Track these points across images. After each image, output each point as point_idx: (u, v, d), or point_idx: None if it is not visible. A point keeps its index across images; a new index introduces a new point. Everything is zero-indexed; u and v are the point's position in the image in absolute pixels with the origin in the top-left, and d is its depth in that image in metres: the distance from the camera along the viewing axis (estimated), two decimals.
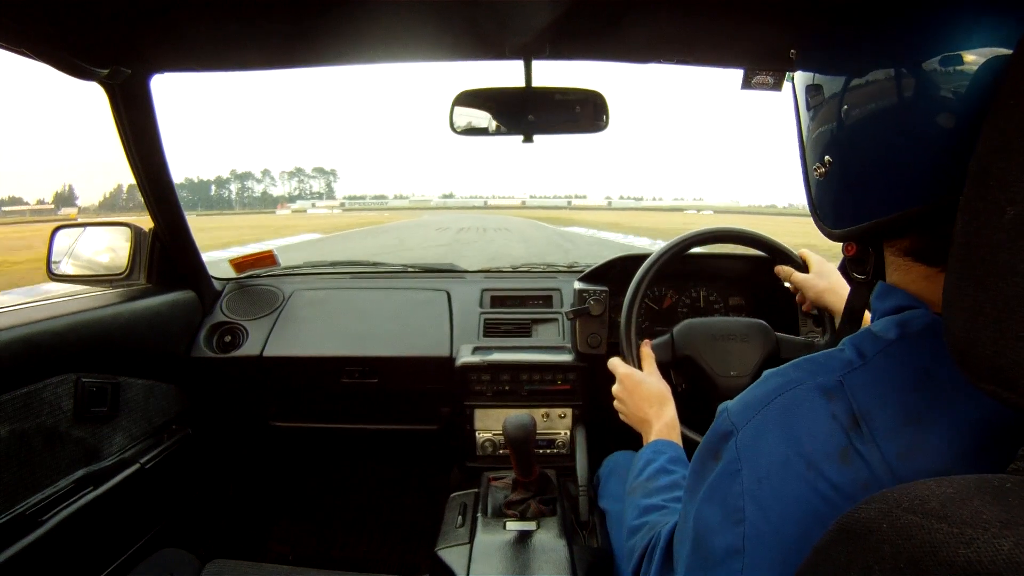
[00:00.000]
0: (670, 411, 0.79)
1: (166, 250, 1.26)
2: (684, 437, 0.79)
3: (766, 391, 0.41)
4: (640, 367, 0.90)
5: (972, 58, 0.34)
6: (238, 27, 0.87)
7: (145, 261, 1.24)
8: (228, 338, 1.35)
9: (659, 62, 0.98)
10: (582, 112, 1.03)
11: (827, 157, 0.45)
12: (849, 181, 0.43)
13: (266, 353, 1.30)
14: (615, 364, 0.89)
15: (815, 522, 0.36)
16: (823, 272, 0.93)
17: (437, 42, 0.95)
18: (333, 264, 1.66)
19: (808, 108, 0.48)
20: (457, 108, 1.00)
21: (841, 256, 0.51)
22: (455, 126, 1.03)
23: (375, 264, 1.66)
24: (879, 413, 0.36)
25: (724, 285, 1.29)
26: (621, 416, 0.86)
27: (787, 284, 0.98)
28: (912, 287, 0.42)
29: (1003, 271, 0.27)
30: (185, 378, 1.31)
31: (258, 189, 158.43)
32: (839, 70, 0.43)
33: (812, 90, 0.47)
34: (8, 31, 0.77)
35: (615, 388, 0.87)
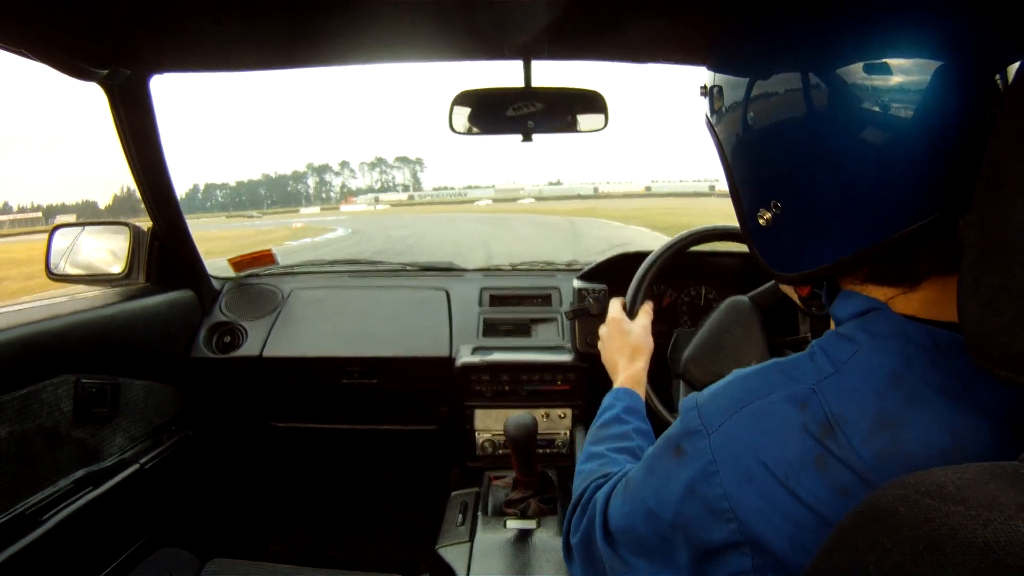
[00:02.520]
0: (640, 365, 0.78)
1: (165, 250, 1.26)
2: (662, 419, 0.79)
3: (736, 396, 0.41)
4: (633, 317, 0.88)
5: (917, 77, 0.34)
6: (238, 27, 0.87)
7: (144, 261, 1.23)
8: (227, 338, 1.34)
9: (659, 62, 0.98)
10: (581, 112, 1.04)
11: (774, 202, 0.42)
12: (804, 225, 0.41)
13: (265, 353, 1.29)
14: (613, 304, 0.88)
15: (798, 527, 0.36)
16: None
17: (437, 42, 0.95)
18: (332, 263, 1.65)
19: (739, 143, 0.44)
20: (456, 108, 1.00)
21: None
22: (454, 126, 1.03)
23: (374, 263, 1.66)
24: (854, 418, 0.36)
25: (723, 283, 1.29)
26: (603, 358, 0.85)
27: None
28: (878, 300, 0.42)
29: (1018, 260, 0.28)
30: (185, 378, 1.31)
31: (336, 182, 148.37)
32: (775, 97, 0.40)
33: (738, 121, 0.43)
34: (8, 31, 0.77)
35: (601, 328, 0.87)
